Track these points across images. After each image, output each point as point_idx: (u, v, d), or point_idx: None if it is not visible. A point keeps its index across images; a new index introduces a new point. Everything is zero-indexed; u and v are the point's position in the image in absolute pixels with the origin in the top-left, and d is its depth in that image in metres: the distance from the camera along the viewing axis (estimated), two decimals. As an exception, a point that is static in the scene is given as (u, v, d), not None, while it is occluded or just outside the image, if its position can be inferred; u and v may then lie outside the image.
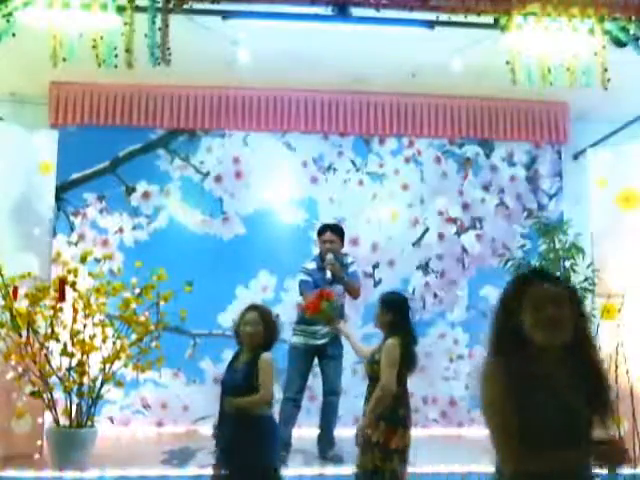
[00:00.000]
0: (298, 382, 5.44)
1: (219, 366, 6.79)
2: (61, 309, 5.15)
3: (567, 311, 2.10)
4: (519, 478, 2.07)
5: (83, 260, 5.41)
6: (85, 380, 5.10)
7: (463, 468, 4.98)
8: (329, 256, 5.39)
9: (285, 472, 4.27)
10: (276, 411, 4.58)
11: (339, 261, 5.49)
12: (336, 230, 5.61)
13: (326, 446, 5.40)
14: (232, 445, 3.70)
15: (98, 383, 5.15)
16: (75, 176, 6.85)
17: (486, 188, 7.27)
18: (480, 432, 7.65)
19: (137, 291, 5.29)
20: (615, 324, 5.20)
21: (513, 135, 7.22)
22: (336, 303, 4.98)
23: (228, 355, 7.76)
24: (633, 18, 4.72)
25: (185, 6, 4.53)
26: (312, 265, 5.54)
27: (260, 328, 3.81)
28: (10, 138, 5.53)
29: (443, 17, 4.74)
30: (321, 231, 5.63)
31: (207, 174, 7.05)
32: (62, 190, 6.61)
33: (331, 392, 5.47)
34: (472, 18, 4.68)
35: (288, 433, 5.28)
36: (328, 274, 5.36)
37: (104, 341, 5.19)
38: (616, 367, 5.04)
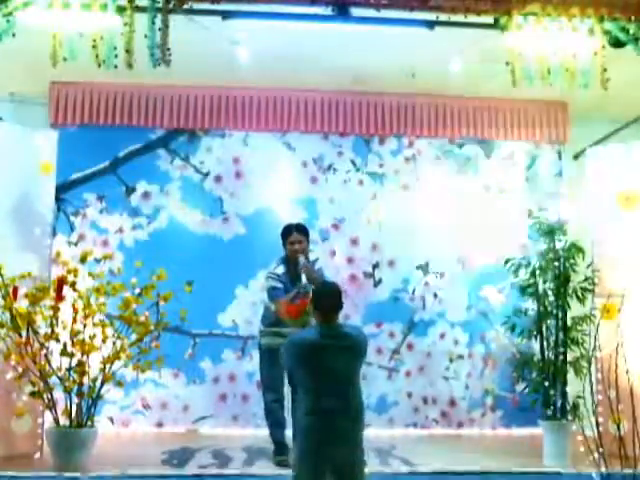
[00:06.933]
0: (280, 381, 5.41)
1: (219, 366, 6.81)
2: (61, 309, 5.15)
3: None
4: None
5: (83, 260, 5.40)
6: (85, 380, 5.08)
7: (463, 468, 4.98)
8: (301, 259, 5.20)
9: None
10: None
11: (310, 262, 5.34)
12: (301, 230, 5.43)
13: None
14: None
15: (98, 383, 5.14)
16: (75, 176, 6.85)
17: (486, 188, 7.27)
18: (480, 432, 7.63)
19: (137, 291, 5.28)
20: (615, 324, 5.19)
21: (513, 135, 7.23)
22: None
23: (228, 355, 7.79)
24: (633, 18, 4.73)
25: (185, 6, 4.53)
26: (280, 269, 5.33)
27: None
28: (10, 138, 5.51)
29: (443, 17, 4.74)
30: (287, 232, 5.37)
31: (207, 174, 7.05)
32: (62, 190, 6.60)
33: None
34: (472, 18, 4.69)
35: (283, 434, 5.27)
36: (303, 279, 5.14)
37: (104, 341, 5.18)
38: (616, 367, 5.02)
